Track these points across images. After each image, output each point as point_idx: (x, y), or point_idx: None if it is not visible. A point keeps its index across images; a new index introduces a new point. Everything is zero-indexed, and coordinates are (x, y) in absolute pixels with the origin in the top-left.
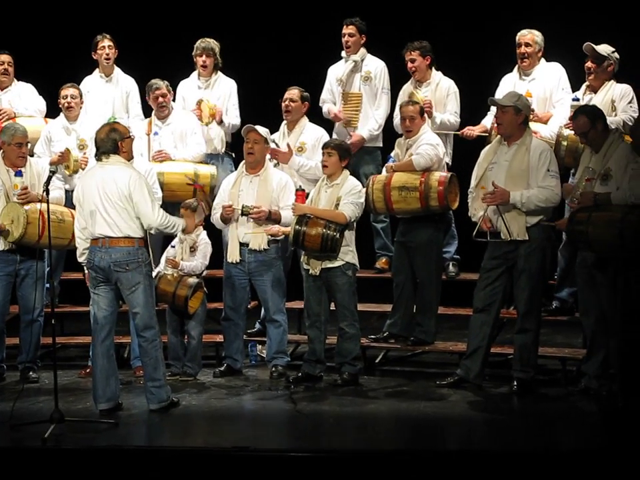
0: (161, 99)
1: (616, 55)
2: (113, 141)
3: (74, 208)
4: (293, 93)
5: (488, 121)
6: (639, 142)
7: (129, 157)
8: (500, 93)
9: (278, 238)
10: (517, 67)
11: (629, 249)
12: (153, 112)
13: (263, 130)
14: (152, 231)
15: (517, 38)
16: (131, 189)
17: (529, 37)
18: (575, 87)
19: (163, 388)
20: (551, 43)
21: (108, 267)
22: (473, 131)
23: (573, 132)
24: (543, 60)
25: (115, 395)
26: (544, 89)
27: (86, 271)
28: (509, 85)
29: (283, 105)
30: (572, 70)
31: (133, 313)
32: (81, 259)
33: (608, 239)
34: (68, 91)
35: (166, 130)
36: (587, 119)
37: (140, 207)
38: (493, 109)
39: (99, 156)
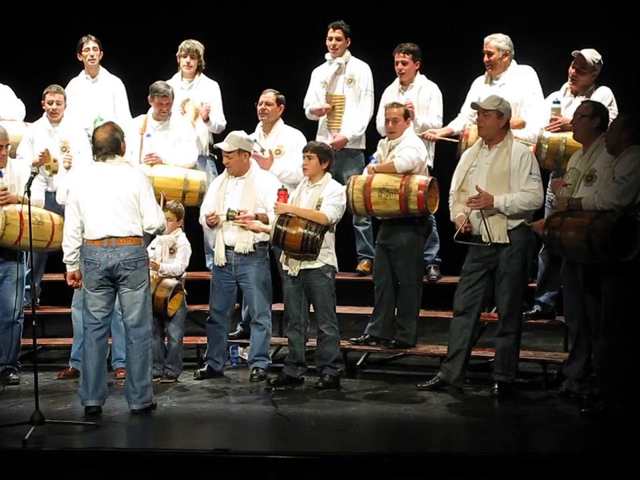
0: (165, 108)
1: (601, 63)
2: (117, 141)
3: (54, 210)
4: (269, 96)
5: (455, 124)
6: (614, 142)
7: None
8: (470, 97)
9: (266, 240)
10: (487, 71)
11: (596, 254)
12: (150, 111)
13: (231, 145)
14: (151, 232)
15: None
16: (141, 188)
17: (492, 44)
18: (548, 88)
19: (149, 389)
20: (526, 41)
21: (117, 266)
22: (434, 133)
23: (553, 134)
24: (513, 63)
25: (105, 393)
26: (514, 94)
27: (70, 270)
28: (478, 89)
29: (259, 108)
30: (545, 70)
31: (129, 310)
32: (70, 258)
33: (577, 244)
34: (54, 97)
35: (160, 133)
36: (592, 108)
37: (147, 206)
38: (463, 113)
39: (102, 156)
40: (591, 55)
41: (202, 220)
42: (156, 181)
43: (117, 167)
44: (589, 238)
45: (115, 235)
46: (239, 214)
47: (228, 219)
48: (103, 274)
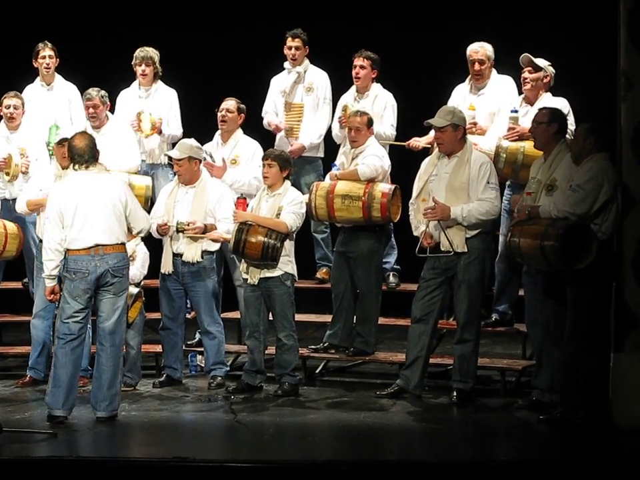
0: (91, 110)
1: (552, 68)
2: (94, 149)
3: (10, 217)
4: (230, 103)
5: None
6: (578, 151)
7: None
8: (452, 104)
9: (213, 249)
10: (468, 78)
11: (550, 262)
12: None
13: (181, 152)
14: (142, 234)
15: (468, 53)
16: (127, 195)
17: (482, 52)
18: None
19: (117, 397)
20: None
21: (105, 273)
22: (419, 142)
23: (511, 143)
24: (494, 71)
25: (73, 404)
26: (492, 103)
27: (51, 284)
28: (459, 97)
29: (219, 115)
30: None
31: (107, 316)
32: (54, 272)
33: (533, 252)
34: (11, 101)
35: (100, 140)
36: (549, 114)
37: (135, 212)
38: None
39: (85, 164)
40: (537, 59)
41: (152, 228)
42: None
43: (100, 175)
44: (542, 245)
45: (104, 242)
46: (188, 225)
47: (177, 230)
48: (91, 283)
